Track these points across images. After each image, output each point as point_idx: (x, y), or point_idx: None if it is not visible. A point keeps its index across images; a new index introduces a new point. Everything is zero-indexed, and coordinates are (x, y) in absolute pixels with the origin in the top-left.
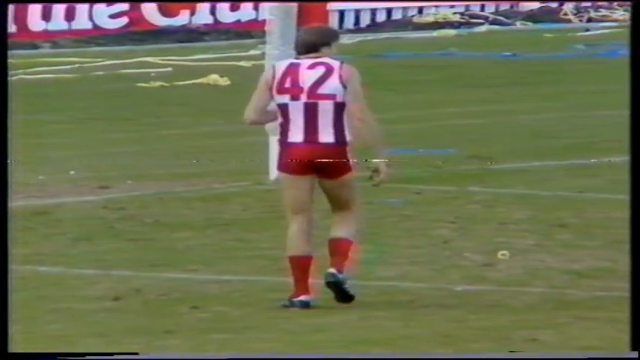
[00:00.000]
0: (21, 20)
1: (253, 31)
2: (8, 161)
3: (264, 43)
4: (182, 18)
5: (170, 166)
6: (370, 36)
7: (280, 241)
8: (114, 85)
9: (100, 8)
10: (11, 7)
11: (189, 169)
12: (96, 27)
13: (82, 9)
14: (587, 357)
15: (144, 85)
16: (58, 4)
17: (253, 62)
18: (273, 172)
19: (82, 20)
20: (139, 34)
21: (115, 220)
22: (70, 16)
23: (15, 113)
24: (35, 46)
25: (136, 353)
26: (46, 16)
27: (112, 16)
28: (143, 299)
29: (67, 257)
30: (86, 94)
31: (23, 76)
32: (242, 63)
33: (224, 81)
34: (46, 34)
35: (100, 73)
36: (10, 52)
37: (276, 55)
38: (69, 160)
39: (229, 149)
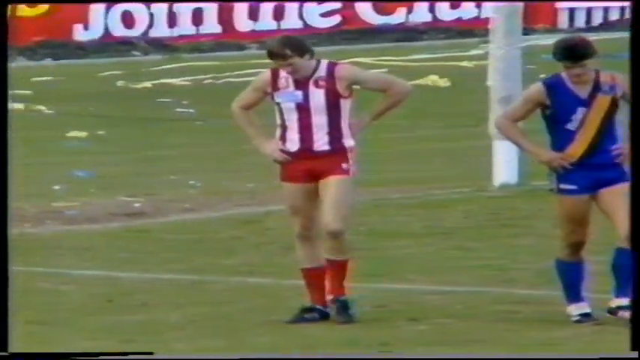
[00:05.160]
0: (227, 21)
1: (475, 29)
2: (8, 163)
3: (487, 42)
4: (398, 16)
5: (386, 171)
6: (603, 35)
7: (507, 251)
8: None
9: (311, 7)
10: (213, 7)
11: (407, 174)
12: (307, 26)
13: (291, 8)
14: (587, 357)
15: (357, 86)
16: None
17: (475, 62)
18: (498, 178)
19: (291, 19)
20: (352, 33)
21: None
22: (279, 15)
23: (220, 118)
24: (242, 47)
25: (151, 353)
26: (254, 15)
27: (324, 15)
28: (359, 310)
29: (277, 267)
30: None
31: (230, 79)
32: (464, 63)
33: (444, 82)
34: (254, 35)
35: None
36: (215, 54)
37: (500, 55)
38: (279, 167)
39: (450, 154)
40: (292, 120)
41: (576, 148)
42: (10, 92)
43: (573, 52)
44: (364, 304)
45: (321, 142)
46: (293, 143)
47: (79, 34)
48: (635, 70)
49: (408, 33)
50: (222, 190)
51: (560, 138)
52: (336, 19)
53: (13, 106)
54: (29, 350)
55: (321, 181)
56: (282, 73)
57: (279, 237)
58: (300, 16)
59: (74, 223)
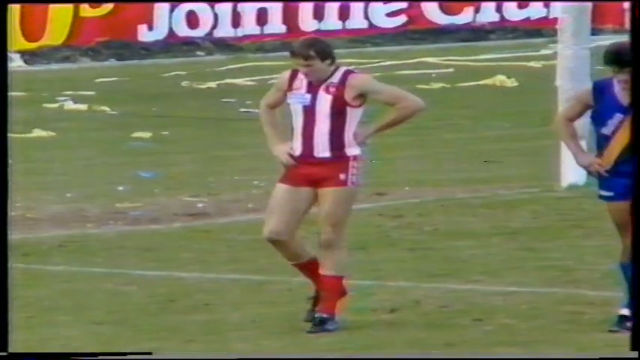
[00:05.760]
0: (291, 20)
1: (544, 29)
2: (8, 163)
3: (555, 42)
4: (465, 16)
5: (452, 171)
6: None
7: (573, 251)
8: None
9: (376, 6)
10: (278, 7)
11: (473, 174)
12: (372, 26)
13: (357, 7)
14: (587, 357)
15: (424, 86)
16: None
17: (544, 62)
18: (566, 179)
19: (357, 19)
20: (418, 32)
21: (391, 228)
22: (344, 14)
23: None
24: None
25: (150, 353)
26: (319, 15)
27: (390, 15)
28: (422, 311)
29: None
30: None
31: None
32: (532, 63)
33: (511, 82)
34: (319, 34)
35: (377, 74)
36: (279, 54)
37: (569, 55)
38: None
39: (516, 154)
40: (298, 122)
41: (610, 154)
42: (73, 93)
43: (620, 57)
44: (428, 304)
45: (321, 147)
46: (297, 147)
47: (144, 34)
48: (635, 70)
49: (474, 33)
50: None
51: (598, 142)
52: (402, 18)
53: (77, 106)
54: (92, 350)
55: (319, 190)
56: (300, 75)
57: None
58: (366, 16)
59: (137, 223)
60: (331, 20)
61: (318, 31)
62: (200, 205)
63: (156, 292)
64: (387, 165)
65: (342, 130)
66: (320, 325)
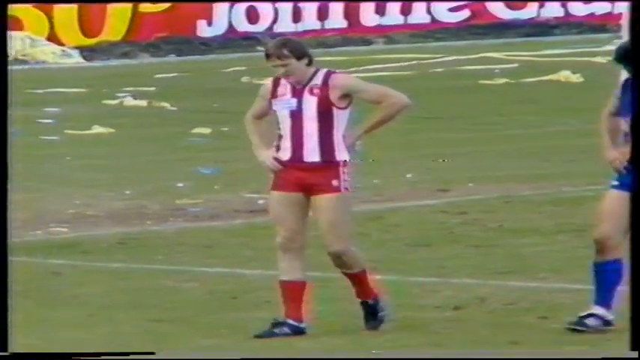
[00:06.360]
0: (353, 15)
1: (608, 24)
2: (8, 163)
3: (619, 37)
4: (530, 11)
5: (516, 167)
6: None
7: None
8: (454, 82)
9: (439, 1)
10: (339, 4)
11: (537, 170)
12: (434, 21)
13: (419, 2)
14: (587, 357)
15: (487, 82)
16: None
17: (609, 58)
18: None
19: (419, 14)
20: (481, 27)
21: (455, 224)
22: (406, 10)
23: None
24: (368, 42)
25: (153, 353)
26: (380, 10)
27: (453, 10)
28: (487, 309)
29: (403, 264)
30: (424, 92)
31: (356, 75)
32: (597, 59)
33: (576, 78)
34: (380, 29)
35: (439, 69)
36: (340, 49)
37: None
38: (406, 162)
39: (582, 150)
40: (286, 128)
41: (626, 151)
42: (132, 89)
43: (628, 55)
44: (493, 301)
45: (311, 152)
46: (285, 152)
47: (203, 30)
48: (635, 70)
49: (538, 28)
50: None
51: (624, 137)
52: (464, 13)
53: (137, 102)
54: (151, 349)
55: (313, 198)
56: (282, 81)
57: (404, 234)
58: (428, 11)
59: (197, 220)
60: (393, 15)
61: (379, 26)
62: (261, 201)
63: (217, 289)
64: (449, 161)
65: (331, 133)
66: (372, 314)
